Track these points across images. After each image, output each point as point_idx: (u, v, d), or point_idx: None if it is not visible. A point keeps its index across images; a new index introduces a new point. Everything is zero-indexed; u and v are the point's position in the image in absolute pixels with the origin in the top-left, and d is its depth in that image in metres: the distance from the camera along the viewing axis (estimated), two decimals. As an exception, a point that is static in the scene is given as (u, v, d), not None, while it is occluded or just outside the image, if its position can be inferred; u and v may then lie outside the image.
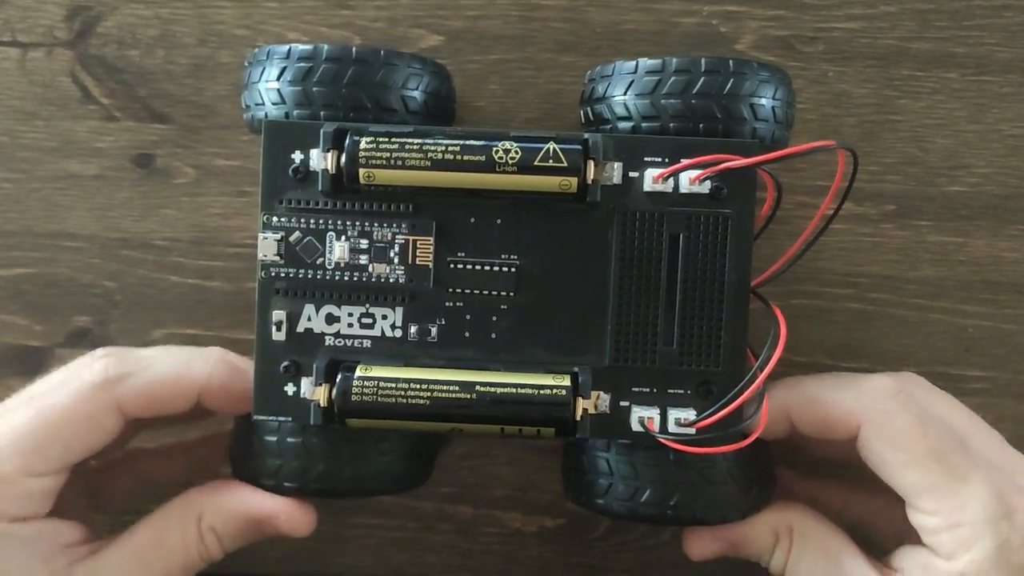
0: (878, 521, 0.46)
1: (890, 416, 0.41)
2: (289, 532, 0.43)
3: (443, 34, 0.50)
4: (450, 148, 0.40)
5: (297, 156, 0.41)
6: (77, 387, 0.41)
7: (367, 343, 0.42)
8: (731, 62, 0.41)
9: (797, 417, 0.43)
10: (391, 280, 0.41)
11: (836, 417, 0.42)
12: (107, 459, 0.47)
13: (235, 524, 0.43)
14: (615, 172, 0.41)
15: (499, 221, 0.41)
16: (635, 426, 0.41)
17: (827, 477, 0.49)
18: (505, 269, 0.41)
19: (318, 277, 0.41)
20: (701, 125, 0.41)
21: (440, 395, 0.40)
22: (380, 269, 0.41)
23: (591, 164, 0.40)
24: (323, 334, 0.42)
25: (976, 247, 0.50)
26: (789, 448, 0.46)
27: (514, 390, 0.40)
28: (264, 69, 0.42)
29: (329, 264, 0.41)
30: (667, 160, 0.41)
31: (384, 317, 0.42)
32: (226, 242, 0.51)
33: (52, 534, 0.41)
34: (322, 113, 0.41)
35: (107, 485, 0.48)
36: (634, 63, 0.42)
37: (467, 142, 0.40)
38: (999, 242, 0.50)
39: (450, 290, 0.41)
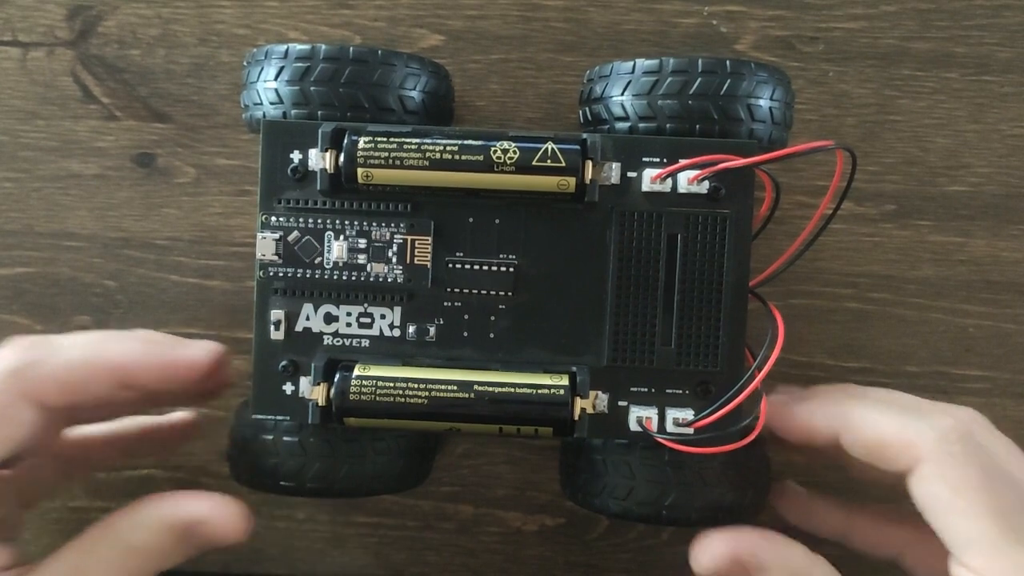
0: (914, 563, 0.44)
1: (955, 460, 0.38)
2: (222, 537, 0.40)
3: (444, 34, 0.50)
4: (448, 148, 0.40)
5: (296, 156, 0.41)
6: None
7: (365, 342, 0.42)
8: (728, 63, 0.41)
9: (848, 435, 0.40)
10: (389, 280, 0.41)
11: (893, 447, 0.39)
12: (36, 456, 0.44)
13: (161, 539, 0.39)
14: (613, 172, 0.41)
15: (497, 221, 0.41)
16: (633, 426, 0.41)
17: (864, 506, 0.47)
18: (503, 269, 0.41)
19: (316, 276, 0.41)
20: (698, 126, 0.41)
21: (438, 394, 0.40)
22: (378, 269, 0.41)
23: (589, 164, 0.40)
24: (321, 333, 0.42)
25: (976, 247, 0.50)
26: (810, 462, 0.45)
27: (512, 390, 0.40)
28: (262, 69, 0.42)
29: (327, 263, 0.41)
30: (665, 160, 0.41)
31: (382, 316, 0.42)
32: (226, 241, 0.51)
33: None
34: (320, 113, 0.41)
35: (38, 477, 0.45)
36: (631, 63, 0.42)
37: (465, 142, 0.40)
38: (999, 242, 0.50)
39: (448, 290, 0.41)
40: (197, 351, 0.41)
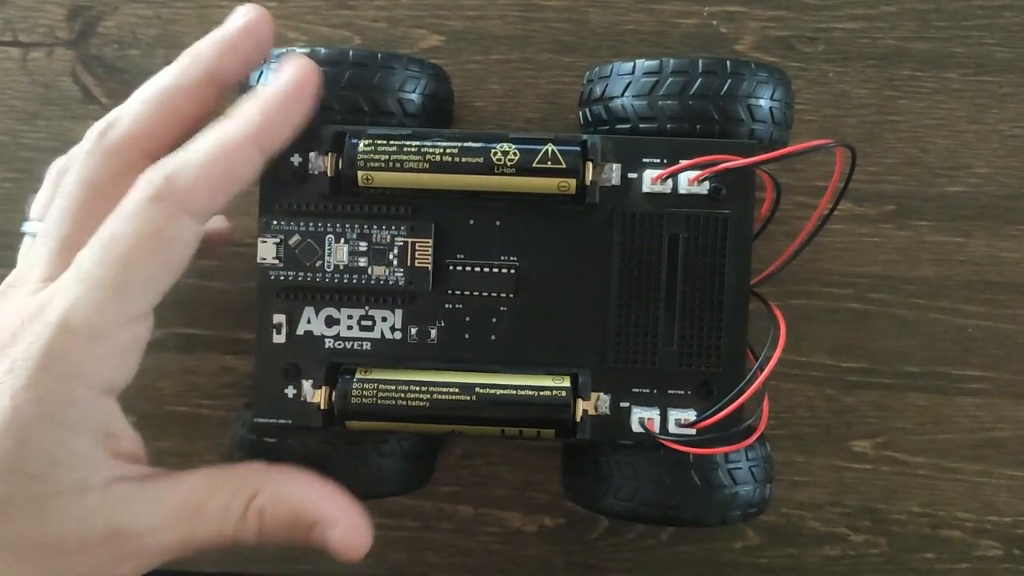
0: None
1: None
2: (337, 548, 0.39)
3: (443, 34, 0.50)
4: (448, 150, 0.40)
5: (295, 159, 0.41)
6: (133, 205, 0.37)
7: (367, 345, 0.42)
8: (728, 63, 0.41)
9: None
10: (390, 282, 0.41)
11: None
12: None
13: (285, 516, 0.39)
14: (614, 173, 0.41)
15: (498, 223, 0.41)
16: (635, 427, 0.41)
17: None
18: (504, 271, 0.41)
19: (317, 280, 0.41)
20: (698, 126, 0.41)
21: (440, 397, 0.40)
22: (379, 271, 0.41)
23: (590, 165, 0.40)
24: (323, 336, 0.42)
25: (976, 247, 0.50)
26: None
27: (514, 392, 0.40)
28: (262, 73, 0.42)
29: (328, 267, 0.41)
30: (666, 161, 0.41)
31: (384, 319, 0.42)
32: (226, 241, 0.51)
33: (123, 432, 0.38)
34: (320, 116, 0.41)
35: None
36: (632, 64, 0.42)
37: (465, 144, 0.40)
38: (999, 242, 0.50)
39: (449, 292, 0.41)
40: (240, 23, 0.40)
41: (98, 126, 0.39)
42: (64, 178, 0.40)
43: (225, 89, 0.40)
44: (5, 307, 0.38)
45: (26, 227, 0.42)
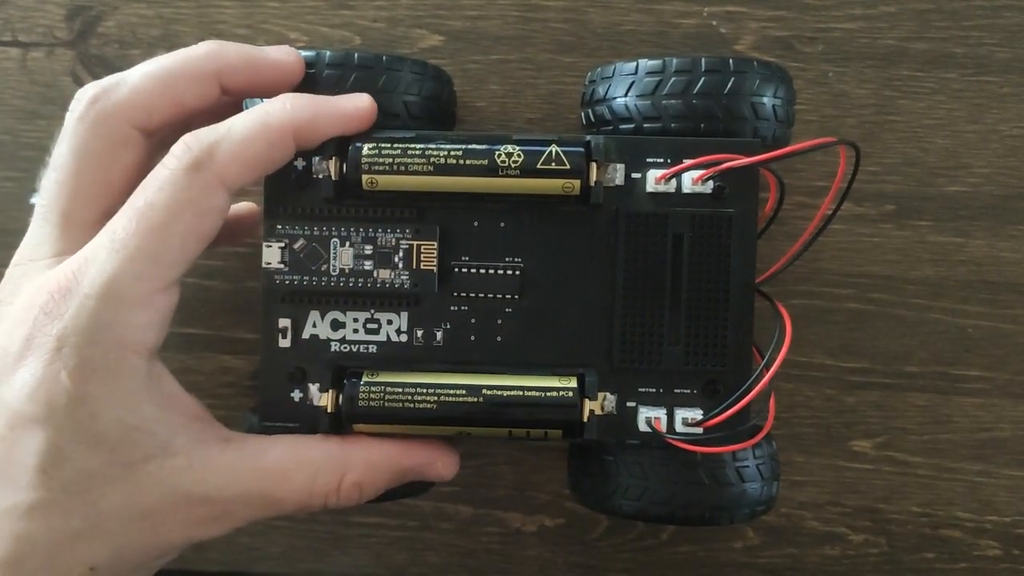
0: None
1: None
2: (438, 479, 0.42)
3: (443, 34, 0.50)
4: (452, 153, 0.40)
5: (300, 163, 0.41)
6: (169, 173, 0.37)
7: (373, 348, 0.42)
8: (731, 61, 0.41)
9: None
10: (396, 285, 0.41)
11: None
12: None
13: (384, 479, 0.41)
14: (617, 174, 0.41)
15: (503, 224, 0.41)
16: (642, 426, 0.41)
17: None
18: (509, 272, 0.41)
19: (323, 283, 0.41)
20: (702, 125, 0.41)
21: (447, 399, 0.40)
22: (384, 274, 0.41)
23: (593, 166, 0.40)
24: (329, 340, 0.42)
25: (976, 247, 0.50)
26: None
27: (521, 393, 0.40)
28: None
29: (334, 270, 0.41)
30: (669, 161, 0.41)
31: (389, 322, 0.42)
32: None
33: (184, 395, 0.40)
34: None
35: None
36: (634, 64, 0.42)
37: (469, 146, 0.40)
38: (999, 242, 0.50)
39: (455, 294, 0.41)
40: (280, 54, 0.41)
41: (89, 90, 0.39)
42: (56, 147, 0.40)
43: (226, 98, 0.41)
44: (24, 285, 0.38)
45: (34, 199, 0.42)
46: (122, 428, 0.36)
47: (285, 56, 0.41)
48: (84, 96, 0.39)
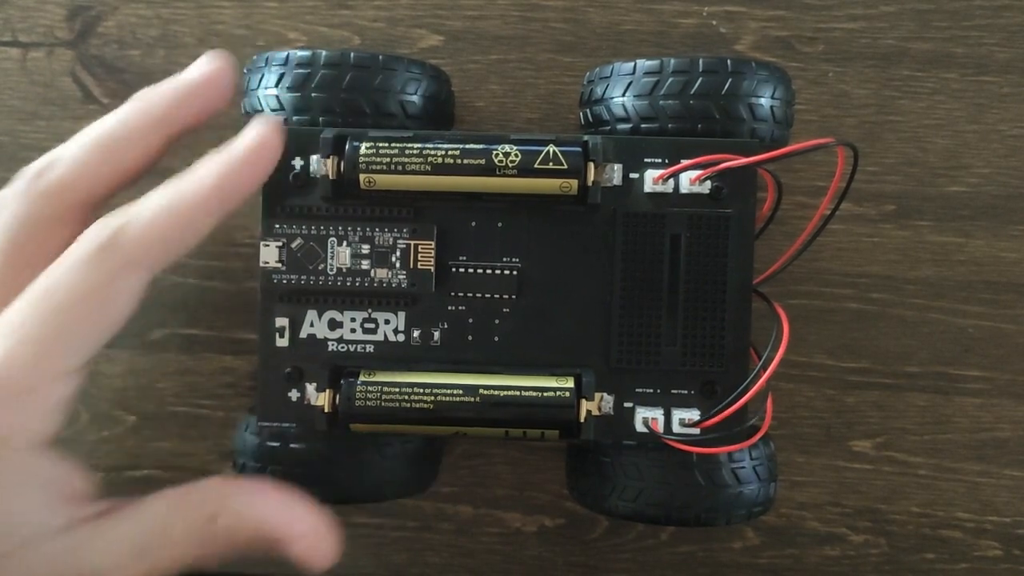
0: None
1: None
2: (301, 562, 0.38)
3: (443, 34, 0.50)
4: (450, 152, 0.40)
5: (297, 163, 0.41)
6: (74, 258, 0.36)
7: (370, 348, 0.42)
8: (729, 62, 0.41)
9: None
10: (393, 285, 0.41)
11: None
12: None
13: (248, 533, 0.37)
14: (615, 174, 0.41)
15: (500, 224, 0.41)
16: (639, 427, 0.41)
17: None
18: (507, 272, 0.41)
19: (320, 283, 0.41)
20: (700, 125, 0.41)
21: (444, 399, 0.40)
22: (382, 274, 0.41)
23: (591, 166, 0.40)
24: (326, 339, 0.42)
25: (976, 247, 0.50)
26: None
27: (518, 393, 0.40)
28: (263, 76, 0.42)
29: (331, 270, 0.41)
30: (667, 161, 0.41)
31: (387, 322, 0.42)
32: (226, 242, 0.51)
33: (68, 475, 0.37)
34: (321, 119, 0.41)
35: None
36: (632, 64, 0.42)
37: (467, 146, 0.40)
38: (999, 242, 0.50)
39: (452, 294, 0.41)
40: (198, 72, 0.40)
41: (33, 167, 0.38)
42: None
43: (176, 139, 0.40)
44: None
45: None
46: None
47: (205, 69, 0.40)
48: (27, 172, 0.38)
